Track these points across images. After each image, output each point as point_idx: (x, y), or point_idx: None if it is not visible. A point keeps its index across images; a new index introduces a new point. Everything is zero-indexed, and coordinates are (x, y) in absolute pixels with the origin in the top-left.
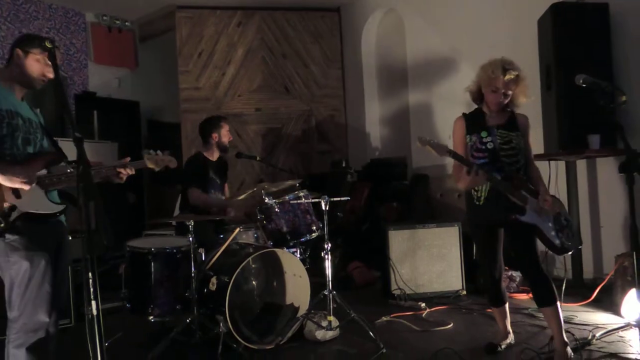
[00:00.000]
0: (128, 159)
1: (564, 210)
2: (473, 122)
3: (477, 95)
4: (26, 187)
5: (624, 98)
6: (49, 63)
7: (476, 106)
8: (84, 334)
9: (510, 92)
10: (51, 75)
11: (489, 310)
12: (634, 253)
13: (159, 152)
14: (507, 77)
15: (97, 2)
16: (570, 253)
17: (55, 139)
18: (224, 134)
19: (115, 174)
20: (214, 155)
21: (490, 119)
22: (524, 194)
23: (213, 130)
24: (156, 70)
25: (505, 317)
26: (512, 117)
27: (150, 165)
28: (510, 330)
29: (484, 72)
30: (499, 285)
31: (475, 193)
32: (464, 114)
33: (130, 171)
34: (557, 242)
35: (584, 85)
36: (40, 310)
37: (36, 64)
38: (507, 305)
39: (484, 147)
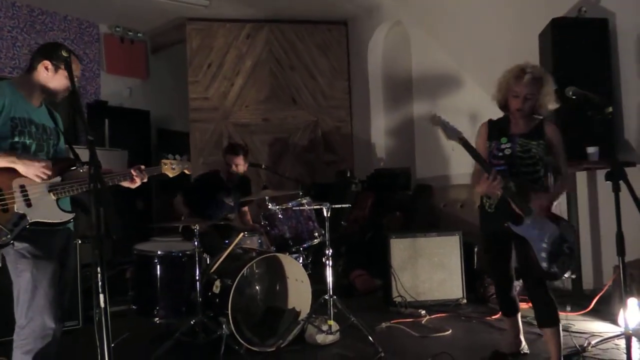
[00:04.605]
0: (142, 166)
1: (571, 238)
2: (497, 128)
3: (503, 103)
4: (44, 177)
5: (609, 110)
6: (75, 76)
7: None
8: (92, 335)
9: (531, 97)
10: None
11: (488, 318)
12: (620, 258)
13: (177, 156)
14: (526, 78)
15: (110, 13)
16: (553, 280)
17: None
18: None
19: (129, 180)
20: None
21: (514, 127)
22: (529, 207)
23: (225, 158)
24: (167, 81)
25: (516, 327)
26: (539, 125)
27: (167, 172)
28: (523, 340)
29: (504, 78)
30: (509, 296)
31: (488, 200)
32: (489, 120)
33: (144, 178)
34: (544, 264)
35: (573, 97)
36: (47, 316)
37: (64, 80)
38: (519, 315)
39: (501, 153)
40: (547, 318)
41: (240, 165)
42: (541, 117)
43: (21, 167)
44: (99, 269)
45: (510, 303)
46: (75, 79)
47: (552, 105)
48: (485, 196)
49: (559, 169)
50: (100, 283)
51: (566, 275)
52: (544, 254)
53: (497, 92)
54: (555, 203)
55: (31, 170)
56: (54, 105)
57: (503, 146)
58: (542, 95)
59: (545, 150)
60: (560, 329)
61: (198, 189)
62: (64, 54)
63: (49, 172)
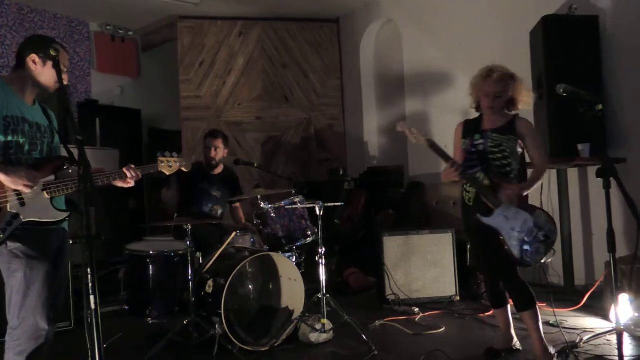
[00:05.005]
0: (132, 165)
1: (548, 226)
2: (471, 127)
3: (477, 104)
4: (27, 190)
5: (600, 107)
6: (64, 67)
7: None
8: (84, 336)
9: (501, 94)
10: (65, 81)
11: (481, 315)
12: (611, 255)
13: (174, 154)
14: (494, 77)
15: (101, 12)
16: (526, 267)
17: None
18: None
19: (123, 178)
20: (215, 168)
21: (486, 124)
22: (498, 199)
23: (204, 142)
24: (158, 79)
25: (506, 320)
26: (511, 121)
27: (164, 170)
28: (514, 335)
29: (474, 80)
30: (495, 287)
31: (467, 194)
32: (465, 120)
33: (138, 175)
34: (515, 252)
35: (564, 95)
36: (40, 318)
37: (53, 72)
38: (508, 308)
39: (474, 149)
40: (523, 302)
41: (220, 149)
42: (514, 114)
43: (3, 177)
44: (89, 270)
45: (499, 295)
46: (64, 69)
47: (529, 102)
48: (465, 190)
49: (532, 159)
50: (90, 284)
51: (542, 260)
52: (514, 242)
53: (471, 95)
54: (526, 192)
55: (16, 184)
56: (47, 104)
57: (476, 142)
58: (517, 93)
59: (516, 145)
60: (538, 312)
61: (180, 180)
62: (53, 52)
63: (31, 184)
